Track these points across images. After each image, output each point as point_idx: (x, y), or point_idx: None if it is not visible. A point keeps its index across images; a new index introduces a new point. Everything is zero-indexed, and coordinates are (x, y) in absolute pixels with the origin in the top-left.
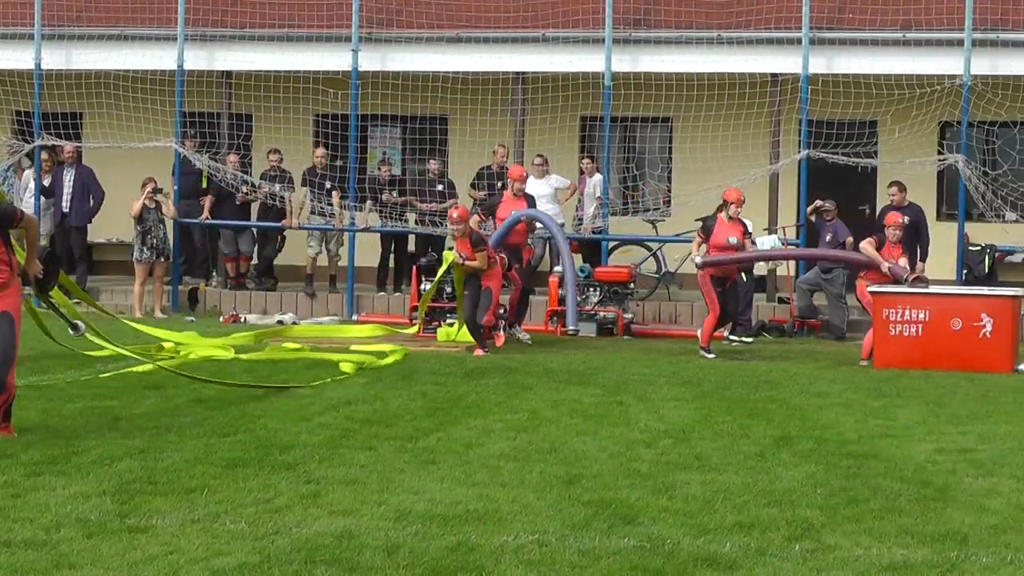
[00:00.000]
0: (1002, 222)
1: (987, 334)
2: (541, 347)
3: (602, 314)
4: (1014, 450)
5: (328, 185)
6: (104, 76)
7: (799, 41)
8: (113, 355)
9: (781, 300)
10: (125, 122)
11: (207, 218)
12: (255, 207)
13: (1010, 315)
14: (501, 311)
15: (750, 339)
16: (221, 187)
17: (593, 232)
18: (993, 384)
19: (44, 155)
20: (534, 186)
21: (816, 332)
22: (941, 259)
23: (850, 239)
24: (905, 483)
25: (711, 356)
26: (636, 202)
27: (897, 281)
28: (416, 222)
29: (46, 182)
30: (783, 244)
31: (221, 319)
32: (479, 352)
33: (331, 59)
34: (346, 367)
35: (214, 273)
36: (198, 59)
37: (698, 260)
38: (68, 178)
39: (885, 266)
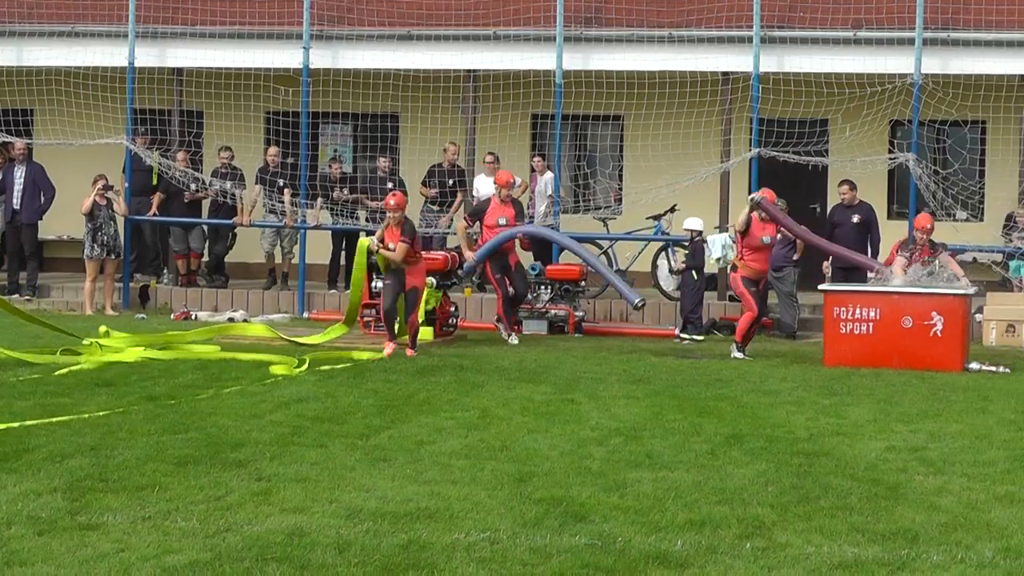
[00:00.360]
0: (953, 221)
1: (938, 332)
2: (492, 345)
3: (553, 312)
4: (964, 448)
5: (280, 183)
6: (55, 73)
7: (750, 40)
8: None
9: (732, 298)
10: (76, 119)
11: (155, 214)
12: (206, 204)
13: (961, 314)
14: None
15: (701, 337)
16: (171, 184)
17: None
18: (944, 383)
19: None
20: (486, 184)
21: (767, 330)
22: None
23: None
24: (856, 481)
25: (741, 356)
26: (587, 200)
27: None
28: (367, 219)
29: None
30: (734, 243)
31: (172, 316)
32: (390, 348)
33: (282, 56)
34: (278, 369)
35: (165, 270)
36: (149, 56)
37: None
38: (19, 175)
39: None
